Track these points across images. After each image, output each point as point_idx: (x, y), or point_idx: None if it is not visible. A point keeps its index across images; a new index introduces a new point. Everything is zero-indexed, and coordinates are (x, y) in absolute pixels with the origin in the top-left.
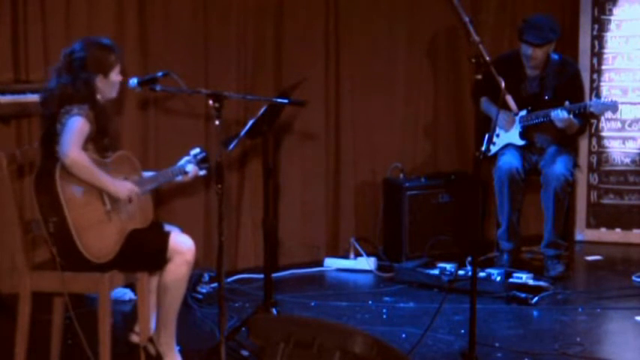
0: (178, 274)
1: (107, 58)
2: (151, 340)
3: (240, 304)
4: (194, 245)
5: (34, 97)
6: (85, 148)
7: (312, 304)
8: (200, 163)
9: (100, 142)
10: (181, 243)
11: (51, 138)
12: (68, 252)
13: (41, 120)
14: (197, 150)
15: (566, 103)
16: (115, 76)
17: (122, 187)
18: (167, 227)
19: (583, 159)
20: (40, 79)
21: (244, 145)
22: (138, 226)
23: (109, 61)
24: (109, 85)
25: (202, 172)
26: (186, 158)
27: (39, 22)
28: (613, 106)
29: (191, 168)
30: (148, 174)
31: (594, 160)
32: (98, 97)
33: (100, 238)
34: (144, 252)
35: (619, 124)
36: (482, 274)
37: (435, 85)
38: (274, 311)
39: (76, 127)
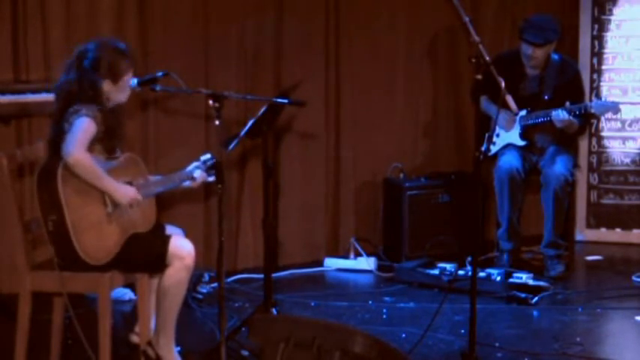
0: (178, 278)
1: (119, 64)
2: (150, 343)
3: (240, 304)
4: (194, 250)
5: (34, 97)
6: (91, 149)
7: (312, 304)
8: (209, 169)
9: (107, 144)
10: (181, 248)
11: (58, 136)
12: (66, 251)
13: (50, 117)
14: (207, 156)
15: (567, 103)
16: (125, 83)
17: (124, 191)
18: (169, 229)
19: (583, 159)
20: (40, 79)
21: (244, 145)
22: (139, 229)
23: (120, 67)
24: (117, 91)
25: (211, 179)
26: (194, 164)
27: (39, 22)
28: (614, 107)
29: (199, 174)
30: (154, 178)
31: (594, 160)
32: (105, 100)
33: (99, 240)
34: (143, 256)
35: (619, 124)
36: (482, 274)
37: (435, 85)
38: (274, 311)
39: (82, 128)
